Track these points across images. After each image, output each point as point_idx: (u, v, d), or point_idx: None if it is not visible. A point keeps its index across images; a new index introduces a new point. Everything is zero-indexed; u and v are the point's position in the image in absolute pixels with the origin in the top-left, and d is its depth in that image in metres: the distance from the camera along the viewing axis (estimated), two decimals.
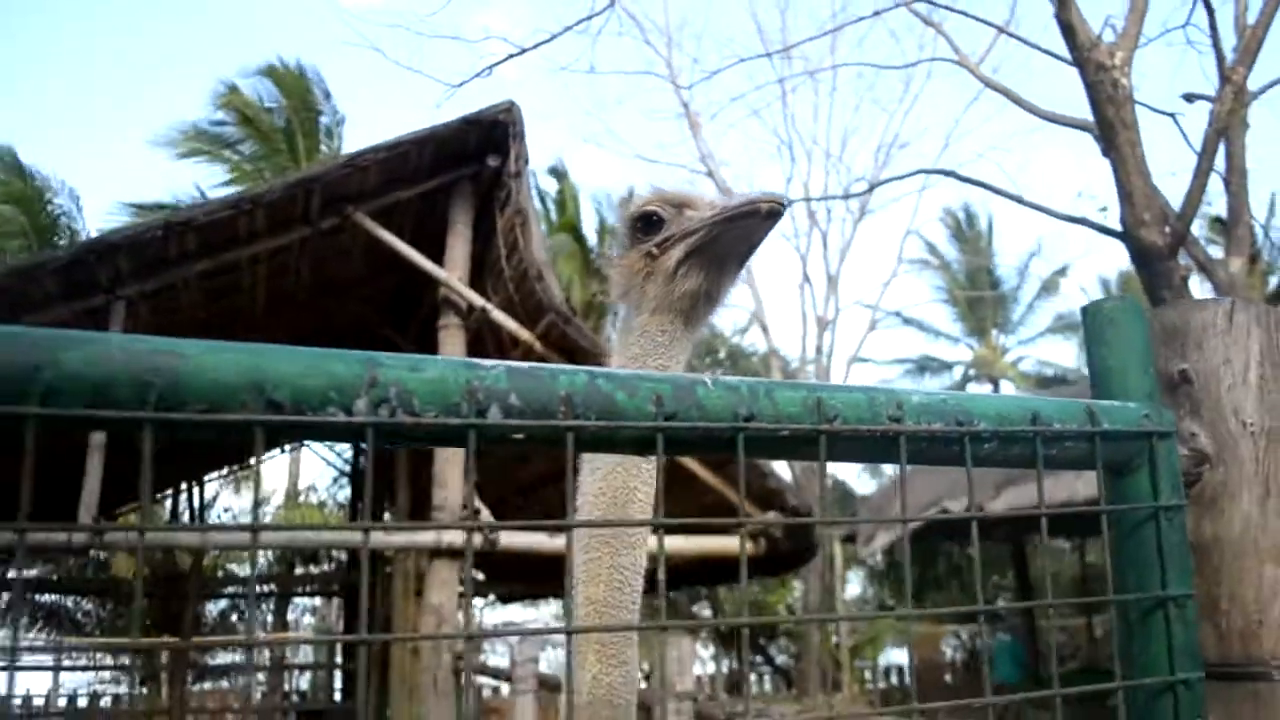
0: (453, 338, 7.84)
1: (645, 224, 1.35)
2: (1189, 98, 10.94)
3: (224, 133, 18.76)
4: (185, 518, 15.89)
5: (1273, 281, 18.34)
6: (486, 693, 13.85)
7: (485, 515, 7.26)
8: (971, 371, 26.43)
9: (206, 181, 18.63)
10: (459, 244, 8.25)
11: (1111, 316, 1.17)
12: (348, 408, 0.76)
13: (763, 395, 0.88)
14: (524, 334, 7.87)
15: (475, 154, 8.08)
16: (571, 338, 7.73)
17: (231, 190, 18.22)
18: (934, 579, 18.80)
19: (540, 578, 10.86)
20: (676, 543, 7.62)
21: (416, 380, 0.78)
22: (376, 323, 10.16)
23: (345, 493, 17.38)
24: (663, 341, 1.32)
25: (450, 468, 7.41)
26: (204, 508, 15.81)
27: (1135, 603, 1.00)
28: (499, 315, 7.92)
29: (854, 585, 23.63)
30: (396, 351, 0.80)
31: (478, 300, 7.92)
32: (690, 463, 7.54)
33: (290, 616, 21.33)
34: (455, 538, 7.14)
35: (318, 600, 19.80)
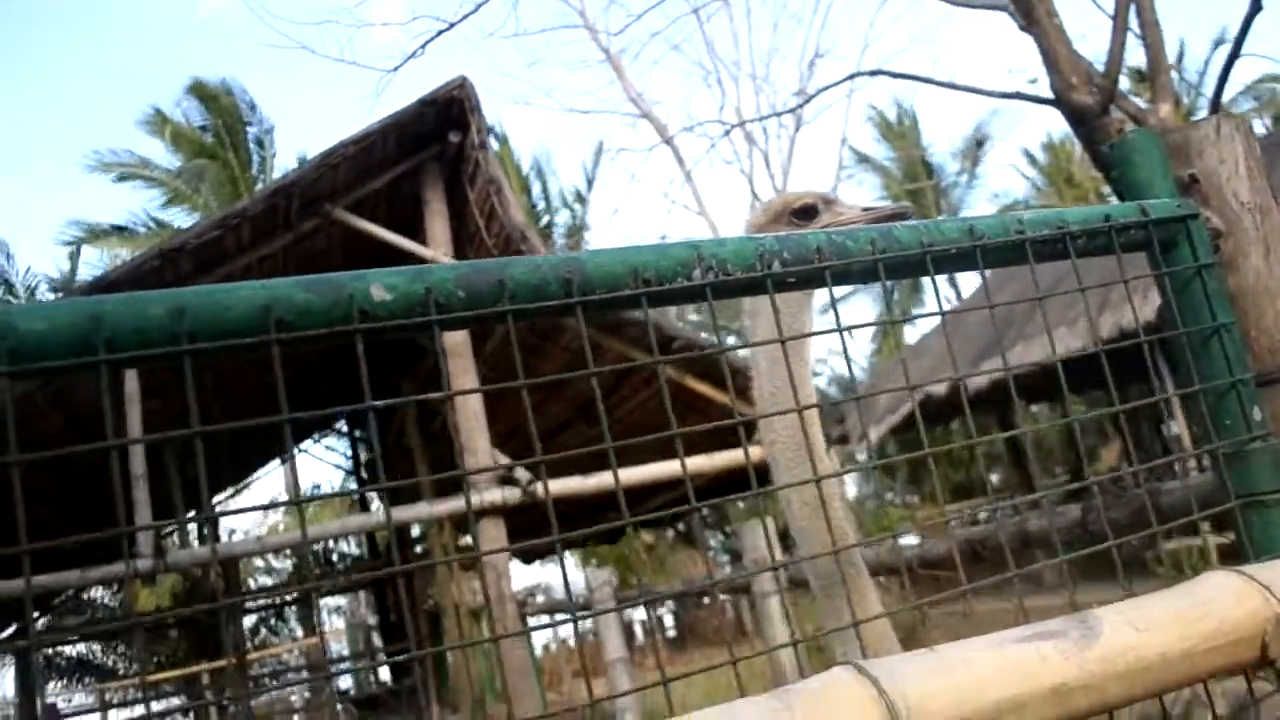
0: None
1: (803, 213, 1.69)
2: None
3: (155, 156, 18.78)
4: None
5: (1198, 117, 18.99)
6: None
7: (520, 472, 7.65)
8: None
9: (142, 204, 18.69)
10: (437, 221, 8.54)
11: (1134, 143, 1.58)
12: (688, 276, 1.15)
13: (934, 229, 1.28)
14: None
15: (436, 133, 8.36)
16: None
17: (175, 211, 18.26)
18: (923, 462, 19.43)
19: (570, 526, 11.27)
20: (697, 462, 8.05)
21: (725, 252, 1.17)
22: None
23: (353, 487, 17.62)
24: (802, 300, 1.69)
25: (477, 435, 7.78)
26: (215, 526, 15.97)
27: (1197, 333, 1.42)
28: None
29: (849, 488, 24.36)
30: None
31: None
32: (700, 386, 7.96)
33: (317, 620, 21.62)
34: (494, 495, 7.53)
35: (343, 600, 20.17)
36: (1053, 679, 1.00)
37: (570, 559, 19.86)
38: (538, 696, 7.67)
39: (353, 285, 1.05)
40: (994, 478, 19.11)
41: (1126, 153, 1.58)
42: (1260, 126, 23.10)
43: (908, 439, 19.36)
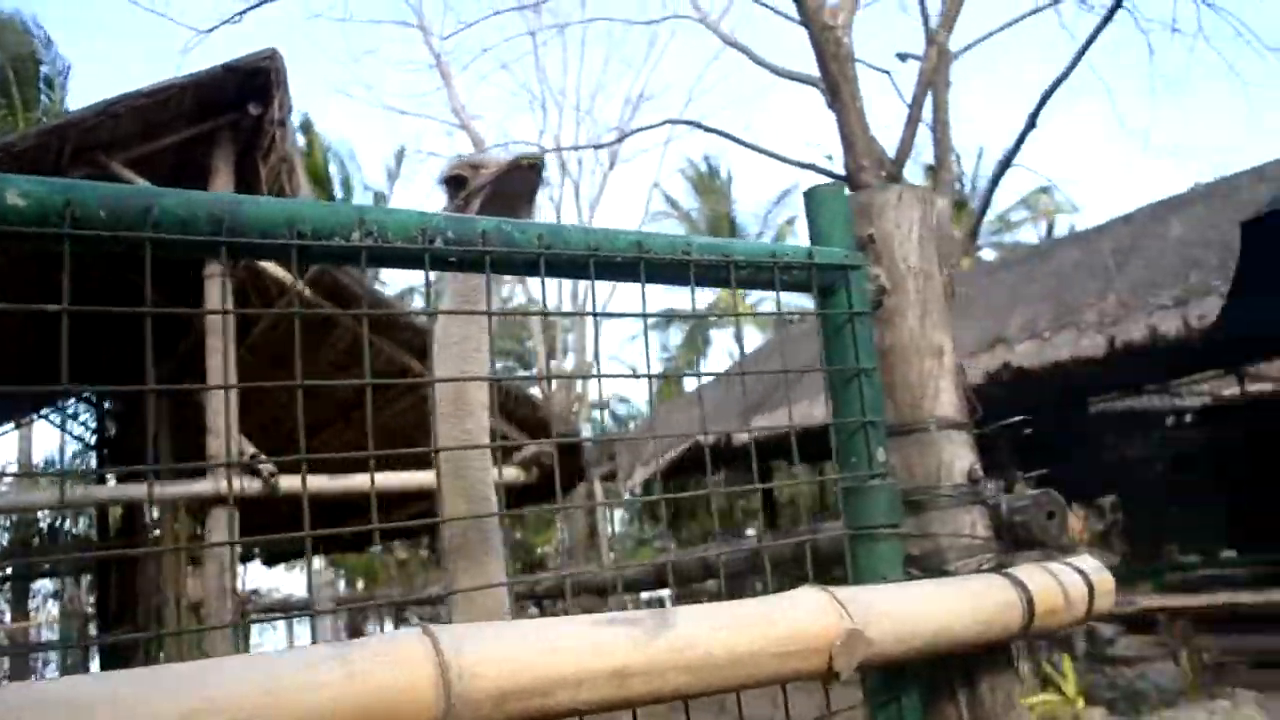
0: (217, 286, 7.79)
1: (455, 184, 1.65)
2: (902, 57, 12.20)
3: None
4: None
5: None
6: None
7: (264, 465, 7.36)
8: (713, 317, 27.82)
9: None
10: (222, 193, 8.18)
11: (824, 196, 1.72)
12: (347, 237, 1.17)
13: (607, 236, 1.34)
14: (289, 279, 7.92)
15: (236, 102, 8.03)
16: (342, 282, 7.89)
17: None
18: (688, 509, 19.98)
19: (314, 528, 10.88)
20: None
21: (389, 220, 1.19)
22: (127, 275, 9.84)
23: (91, 464, 16.40)
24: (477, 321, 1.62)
25: (221, 417, 7.44)
26: None
27: (839, 373, 1.55)
28: (265, 262, 7.91)
29: (615, 525, 24.77)
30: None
31: None
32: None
33: (31, 604, 20.02)
34: (233, 484, 7.21)
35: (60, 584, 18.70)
36: (615, 662, 1.06)
37: (318, 563, 19.20)
38: None
39: None
40: (750, 531, 19.80)
41: (815, 204, 1.71)
42: (1034, 234, 25.22)
43: (673, 484, 19.84)
